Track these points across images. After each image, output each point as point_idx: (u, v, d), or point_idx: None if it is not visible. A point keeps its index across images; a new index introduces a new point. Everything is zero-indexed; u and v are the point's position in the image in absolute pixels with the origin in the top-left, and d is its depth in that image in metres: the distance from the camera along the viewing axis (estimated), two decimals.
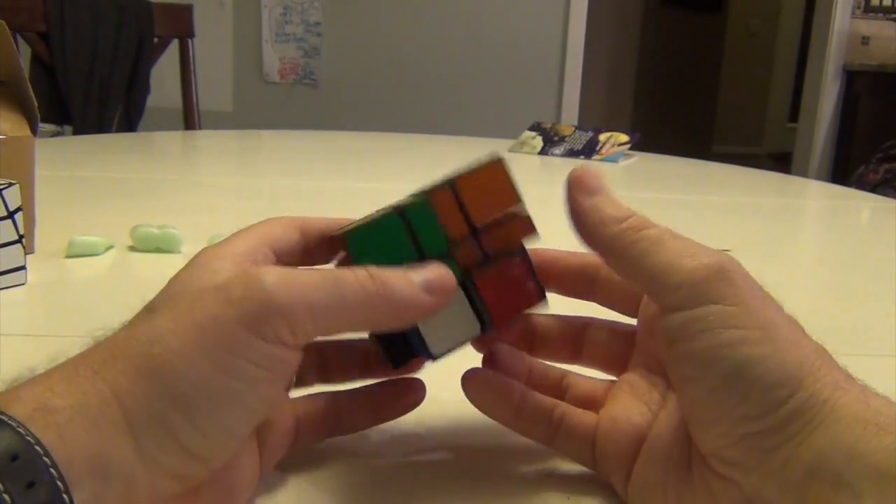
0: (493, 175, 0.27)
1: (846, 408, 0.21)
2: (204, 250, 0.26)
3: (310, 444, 0.29)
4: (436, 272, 0.25)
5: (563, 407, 0.29)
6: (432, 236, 0.26)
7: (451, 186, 0.27)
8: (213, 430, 0.21)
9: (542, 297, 0.29)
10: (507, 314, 0.29)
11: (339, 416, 0.29)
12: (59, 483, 0.18)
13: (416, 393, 0.30)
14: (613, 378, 0.30)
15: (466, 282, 0.27)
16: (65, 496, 0.18)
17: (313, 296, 0.22)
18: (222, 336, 0.21)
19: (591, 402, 0.29)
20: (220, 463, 0.22)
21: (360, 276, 0.23)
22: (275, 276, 0.22)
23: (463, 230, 0.27)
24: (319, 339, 0.24)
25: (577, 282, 0.30)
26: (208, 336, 0.21)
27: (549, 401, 0.29)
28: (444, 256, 0.26)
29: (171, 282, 0.25)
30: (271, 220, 0.28)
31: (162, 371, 0.20)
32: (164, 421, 0.20)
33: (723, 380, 0.22)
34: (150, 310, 0.23)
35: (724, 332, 0.22)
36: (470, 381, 0.29)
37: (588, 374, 0.31)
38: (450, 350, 0.28)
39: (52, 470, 0.18)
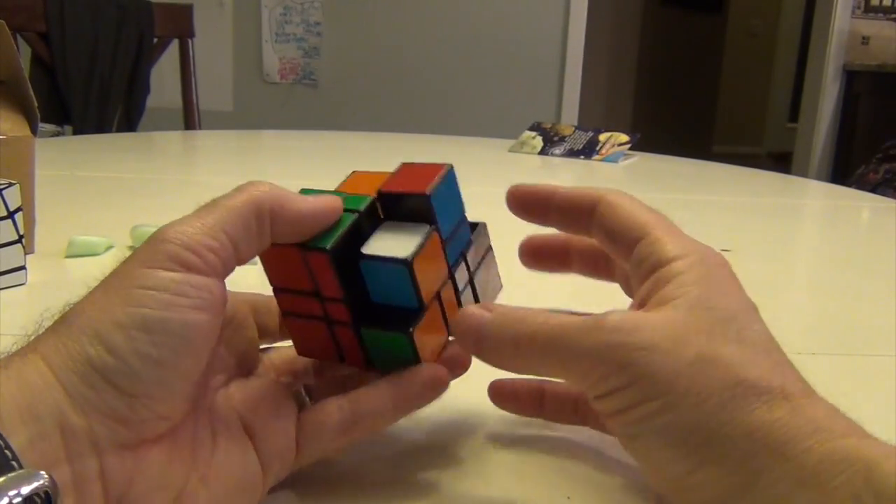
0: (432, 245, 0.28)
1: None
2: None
3: (325, 447, 0.27)
4: (325, 196, 0.27)
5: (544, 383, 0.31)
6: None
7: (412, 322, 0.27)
8: (141, 363, 0.21)
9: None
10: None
11: (356, 411, 0.27)
12: (6, 452, 0.18)
13: (441, 378, 0.28)
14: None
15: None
16: (14, 463, 0.18)
17: (201, 219, 0.24)
18: (127, 276, 0.23)
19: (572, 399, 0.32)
20: (167, 406, 0.22)
21: (245, 185, 0.25)
22: (163, 226, 0.24)
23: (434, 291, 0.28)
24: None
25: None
26: (115, 283, 0.23)
27: (562, 391, 0.31)
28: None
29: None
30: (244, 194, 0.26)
31: (78, 319, 0.22)
32: (88, 359, 0.21)
33: (654, 438, 0.23)
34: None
35: (641, 407, 0.23)
36: (497, 393, 0.32)
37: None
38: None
39: (6, 451, 0.18)
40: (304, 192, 0.28)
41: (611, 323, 0.23)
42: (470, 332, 0.26)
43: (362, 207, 0.28)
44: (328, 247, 0.26)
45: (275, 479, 0.26)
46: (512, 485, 0.29)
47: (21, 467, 0.18)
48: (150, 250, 0.23)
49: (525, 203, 0.30)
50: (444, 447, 0.31)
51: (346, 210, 0.27)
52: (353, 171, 0.31)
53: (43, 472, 0.18)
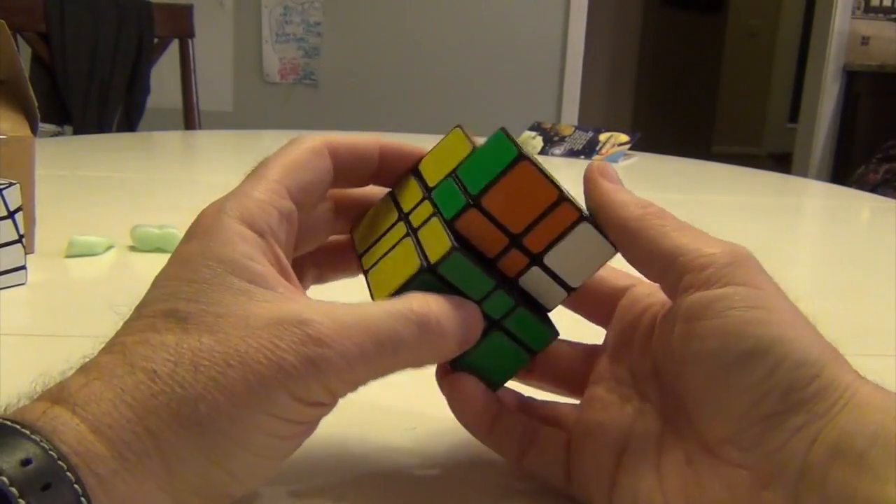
0: (522, 178, 0.25)
1: (868, 395, 0.21)
2: (213, 216, 0.24)
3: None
4: (474, 324, 0.25)
5: (535, 424, 0.28)
6: (470, 276, 0.25)
7: (476, 204, 0.25)
8: (251, 479, 0.22)
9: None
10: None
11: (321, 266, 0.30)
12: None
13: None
14: (574, 401, 0.29)
15: (518, 298, 0.26)
16: None
17: (362, 366, 0.22)
18: (272, 403, 0.21)
19: (557, 424, 0.28)
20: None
21: (424, 330, 0.23)
22: (329, 344, 0.21)
23: (501, 243, 0.26)
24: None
25: None
26: (258, 400, 0.21)
27: (521, 417, 0.28)
28: (490, 286, 0.25)
29: (188, 269, 0.23)
30: (295, 147, 0.27)
31: (209, 432, 0.20)
32: (206, 474, 0.21)
33: (748, 354, 0.22)
34: (178, 320, 0.22)
35: (751, 311, 0.22)
36: (452, 387, 0.27)
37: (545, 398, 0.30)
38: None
39: (75, 486, 0.18)
40: (462, 266, 0.25)
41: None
42: (611, 172, 0.27)
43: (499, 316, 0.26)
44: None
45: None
46: (512, 485, 0.29)
47: (84, 491, 0.18)
48: (306, 378, 0.21)
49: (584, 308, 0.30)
50: (441, 448, 0.31)
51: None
52: (456, 127, 0.28)
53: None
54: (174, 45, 1.80)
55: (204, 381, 0.20)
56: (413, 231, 0.26)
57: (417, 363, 0.24)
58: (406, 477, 0.29)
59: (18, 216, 0.48)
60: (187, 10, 1.80)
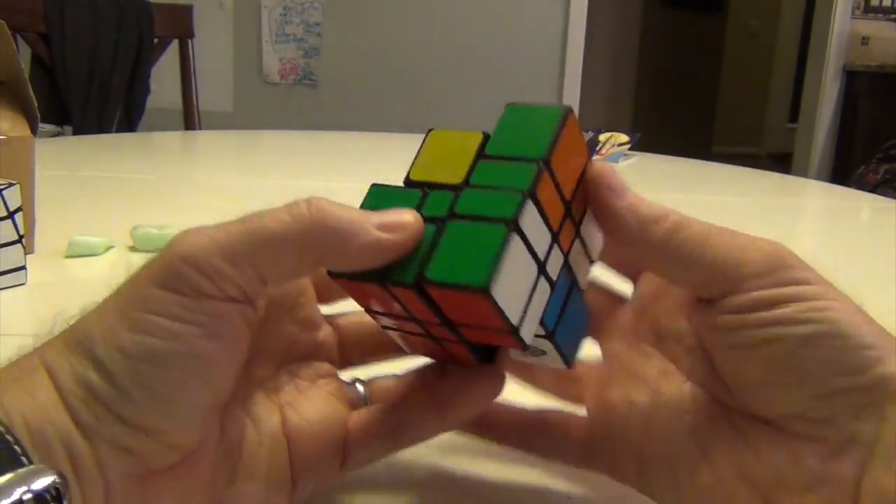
0: (572, 132, 0.23)
1: None
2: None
3: (370, 457, 0.25)
4: (398, 212, 0.22)
5: (531, 412, 0.27)
6: (542, 237, 0.22)
7: (546, 165, 0.22)
8: (144, 396, 0.20)
9: None
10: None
11: (400, 424, 0.25)
12: (16, 447, 0.18)
13: (491, 383, 0.25)
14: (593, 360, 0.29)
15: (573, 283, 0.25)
16: (23, 458, 0.18)
17: (226, 239, 0.21)
18: (136, 296, 0.20)
19: (576, 383, 0.28)
20: (178, 438, 0.21)
21: (293, 206, 0.21)
22: (189, 240, 0.21)
23: (561, 212, 0.23)
24: (277, 285, 0.22)
25: None
26: (123, 299, 0.21)
27: (516, 406, 0.28)
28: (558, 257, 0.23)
29: None
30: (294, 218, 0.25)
31: (83, 338, 0.20)
32: (89, 386, 0.20)
33: (816, 336, 0.22)
34: None
35: (811, 302, 0.22)
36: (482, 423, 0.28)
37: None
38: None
39: (15, 447, 0.18)
40: (374, 194, 0.24)
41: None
42: (618, 182, 0.24)
43: (444, 212, 0.22)
44: (411, 281, 0.21)
45: (305, 492, 0.25)
46: (512, 485, 0.29)
47: (31, 463, 0.18)
48: (164, 266, 0.20)
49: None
50: (441, 448, 0.31)
51: (426, 219, 0.22)
52: (431, 131, 0.25)
53: (52, 469, 0.18)
54: (174, 46, 1.80)
55: (89, 316, 0.21)
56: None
57: (307, 243, 0.21)
58: (405, 477, 0.29)
59: (18, 216, 0.48)
60: (187, 11, 1.80)
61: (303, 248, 0.21)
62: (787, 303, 0.22)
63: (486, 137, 0.24)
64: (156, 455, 0.20)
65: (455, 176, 0.23)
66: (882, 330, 0.22)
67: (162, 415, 0.20)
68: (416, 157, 0.25)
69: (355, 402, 0.27)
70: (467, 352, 0.24)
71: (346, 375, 0.28)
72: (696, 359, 0.25)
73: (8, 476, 0.17)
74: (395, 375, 0.28)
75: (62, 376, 0.20)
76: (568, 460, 0.27)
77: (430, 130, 0.25)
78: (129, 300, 0.21)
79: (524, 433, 0.27)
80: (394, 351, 0.28)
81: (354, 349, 0.28)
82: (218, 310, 0.20)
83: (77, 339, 0.20)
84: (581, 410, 0.28)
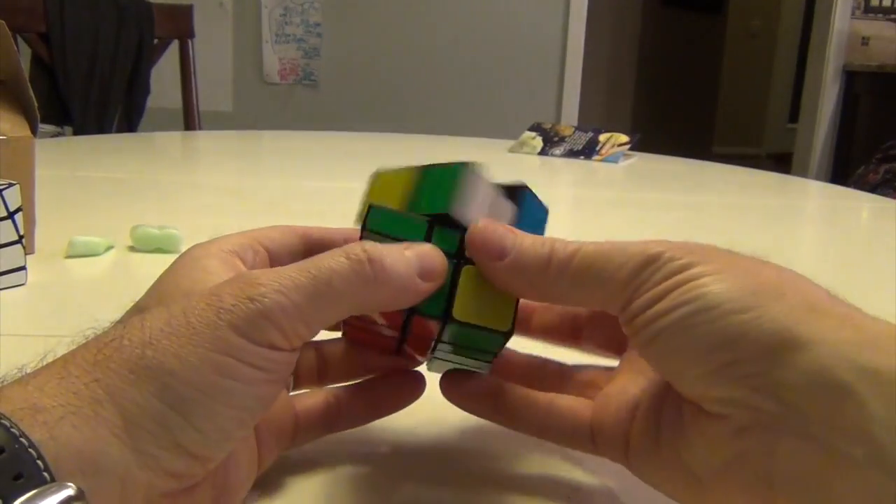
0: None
1: (818, 332, 0.21)
2: (191, 247, 0.27)
3: (308, 439, 0.29)
4: (429, 254, 0.25)
5: (550, 396, 0.28)
6: (398, 222, 0.26)
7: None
8: (211, 430, 0.21)
9: None
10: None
11: (339, 411, 0.29)
12: (45, 475, 0.18)
13: (414, 387, 0.30)
14: (614, 364, 0.30)
15: None
16: (45, 475, 0.18)
17: (302, 298, 0.22)
18: (216, 339, 0.21)
19: (593, 389, 0.29)
20: (217, 461, 0.22)
21: (355, 262, 0.23)
22: (264, 283, 0.22)
23: None
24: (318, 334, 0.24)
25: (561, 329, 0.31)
26: (202, 339, 0.21)
27: (531, 392, 0.29)
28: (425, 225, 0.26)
29: (160, 280, 0.25)
30: (269, 227, 0.29)
31: (159, 372, 0.20)
32: (162, 420, 0.20)
33: (685, 320, 0.22)
34: (139, 309, 0.23)
35: (685, 285, 0.22)
36: (444, 382, 0.29)
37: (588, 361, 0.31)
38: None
39: (38, 462, 0.18)
40: (376, 217, 0.26)
41: (655, 241, 0.24)
42: (494, 238, 0.25)
43: (457, 248, 0.26)
44: (440, 314, 0.25)
45: (266, 466, 0.27)
46: (512, 485, 0.29)
47: (53, 479, 0.18)
48: (247, 314, 0.22)
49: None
50: (441, 448, 0.31)
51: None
52: (377, 172, 0.29)
53: (70, 484, 0.18)
54: (174, 46, 1.80)
55: (149, 332, 0.21)
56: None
57: (369, 297, 0.24)
58: (406, 477, 0.29)
59: (18, 216, 0.48)
60: (187, 11, 1.80)
61: (364, 301, 0.24)
62: (666, 294, 0.22)
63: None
64: (196, 477, 0.22)
65: (503, 323, 0.26)
66: (762, 281, 0.22)
67: (219, 446, 0.22)
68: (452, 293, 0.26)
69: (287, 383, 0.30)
70: (426, 351, 0.29)
71: None
72: None
73: (30, 494, 0.18)
74: (311, 344, 0.30)
75: (132, 410, 0.20)
76: (576, 446, 0.28)
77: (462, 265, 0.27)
78: (209, 340, 0.21)
79: (536, 420, 0.28)
80: (364, 373, 0.31)
81: (333, 369, 0.31)
82: (285, 358, 0.23)
83: (149, 369, 0.21)
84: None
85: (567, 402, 0.28)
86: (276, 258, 0.28)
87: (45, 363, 0.21)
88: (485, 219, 0.26)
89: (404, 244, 0.25)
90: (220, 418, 0.21)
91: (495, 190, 0.28)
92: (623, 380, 0.28)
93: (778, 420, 0.21)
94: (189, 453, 0.21)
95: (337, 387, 0.30)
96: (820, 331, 0.20)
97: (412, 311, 0.25)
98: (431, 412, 0.31)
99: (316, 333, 0.23)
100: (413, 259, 0.24)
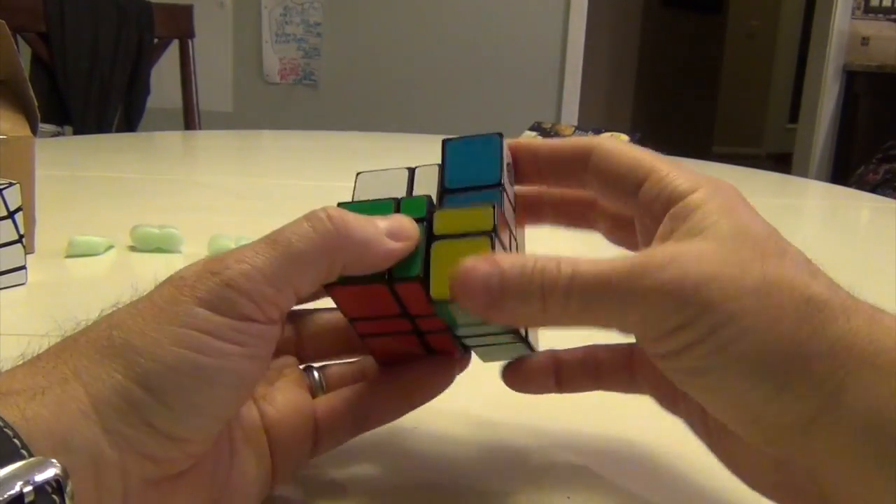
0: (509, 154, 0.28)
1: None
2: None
3: (336, 443, 0.27)
4: (396, 217, 0.25)
5: (595, 351, 0.29)
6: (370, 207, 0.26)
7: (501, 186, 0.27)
8: (183, 408, 0.21)
9: None
10: None
11: (365, 408, 0.27)
12: (23, 452, 0.18)
13: (446, 370, 0.28)
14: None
15: None
16: (24, 452, 0.18)
17: (265, 262, 0.22)
18: (181, 314, 0.21)
19: (628, 367, 0.29)
20: (199, 447, 0.22)
21: (315, 220, 0.23)
22: (225, 257, 0.22)
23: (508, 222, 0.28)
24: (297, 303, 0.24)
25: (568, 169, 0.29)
26: (167, 315, 0.21)
27: (578, 353, 0.29)
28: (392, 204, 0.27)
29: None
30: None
31: (123, 349, 0.20)
32: (129, 398, 0.20)
33: (717, 381, 0.22)
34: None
35: (718, 334, 0.21)
36: (512, 377, 0.28)
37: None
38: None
39: (15, 440, 0.18)
40: (355, 206, 0.26)
41: (659, 260, 0.22)
42: (479, 287, 0.22)
43: (425, 213, 0.26)
44: (418, 273, 0.24)
45: (284, 480, 0.26)
46: (512, 484, 0.29)
47: (31, 455, 0.18)
48: (209, 286, 0.21)
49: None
50: (442, 448, 0.31)
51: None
52: (359, 174, 0.29)
53: (54, 460, 0.18)
54: (174, 46, 1.80)
55: (116, 316, 0.21)
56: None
57: (336, 258, 0.23)
58: (406, 477, 0.29)
59: (18, 216, 0.48)
60: (187, 11, 1.80)
61: (331, 261, 0.23)
62: (686, 349, 0.21)
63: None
64: (176, 462, 0.21)
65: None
66: (794, 323, 0.21)
67: (195, 426, 0.21)
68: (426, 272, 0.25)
69: (314, 389, 0.28)
70: (452, 342, 0.27)
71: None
72: None
73: (9, 469, 0.17)
74: (347, 362, 0.29)
75: (98, 386, 0.20)
76: (621, 390, 0.29)
77: (432, 239, 0.26)
78: (172, 316, 0.21)
79: (582, 376, 0.28)
80: (348, 352, 0.29)
81: (311, 344, 0.29)
82: (260, 331, 0.22)
83: (114, 347, 0.20)
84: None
85: (607, 353, 0.28)
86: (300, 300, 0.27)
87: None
88: (463, 265, 0.23)
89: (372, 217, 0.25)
90: (193, 395, 0.21)
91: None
92: None
93: (817, 462, 0.21)
94: (163, 434, 0.20)
95: (360, 384, 0.28)
96: (846, 380, 0.20)
97: (390, 279, 0.24)
98: (431, 411, 0.31)
99: (291, 300, 0.23)
100: (380, 221, 0.24)
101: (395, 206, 0.26)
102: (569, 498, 0.28)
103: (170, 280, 0.22)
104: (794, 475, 0.22)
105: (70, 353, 0.21)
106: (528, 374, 0.28)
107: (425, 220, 0.25)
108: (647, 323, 0.22)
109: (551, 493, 0.28)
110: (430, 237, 0.25)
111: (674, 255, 0.22)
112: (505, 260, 0.23)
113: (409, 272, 0.24)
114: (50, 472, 0.18)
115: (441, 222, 0.25)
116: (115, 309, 0.22)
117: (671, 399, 0.27)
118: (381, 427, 0.31)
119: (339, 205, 0.26)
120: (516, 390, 0.28)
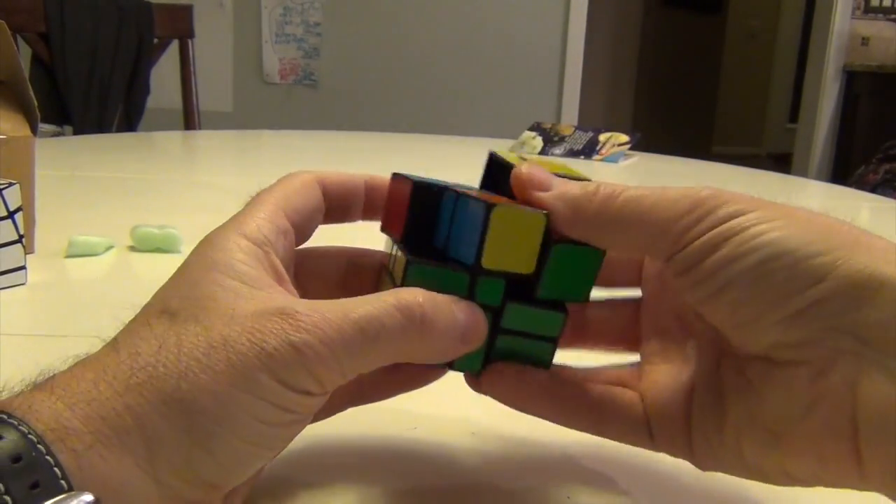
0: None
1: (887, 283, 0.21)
2: (215, 233, 0.25)
3: (329, 414, 0.28)
4: (476, 320, 0.24)
5: (604, 388, 0.28)
6: (441, 277, 0.25)
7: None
8: (233, 464, 0.21)
9: None
10: None
11: (363, 384, 0.27)
12: (62, 482, 0.18)
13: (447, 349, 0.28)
14: (631, 360, 0.29)
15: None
16: (62, 483, 0.18)
17: (345, 352, 0.22)
18: (254, 383, 0.21)
19: (623, 386, 0.28)
20: (232, 487, 0.22)
21: (409, 318, 0.23)
22: (309, 329, 0.21)
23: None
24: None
25: None
26: (240, 379, 0.21)
27: (585, 384, 0.28)
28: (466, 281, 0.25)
29: (189, 276, 0.23)
30: (288, 180, 0.28)
31: (191, 409, 0.20)
32: (188, 456, 0.20)
33: (759, 267, 0.21)
34: (170, 316, 0.22)
35: (748, 230, 0.22)
36: (486, 378, 0.27)
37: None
38: None
39: (55, 469, 0.18)
40: (416, 274, 0.25)
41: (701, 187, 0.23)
42: (540, 177, 0.25)
43: (500, 302, 0.26)
44: (479, 370, 0.26)
45: (279, 452, 0.26)
46: (512, 485, 0.29)
47: (70, 488, 0.18)
48: (287, 362, 0.21)
49: None
50: (441, 448, 0.31)
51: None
52: (491, 209, 0.25)
53: (89, 493, 0.18)
54: (174, 46, 1.80)
55: (187, 361, 0.21)
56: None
57: (407, 354, 0.23)
58: (406, 477, 0.29)
59: (18, 216, 0.48)
60: (187, 11, 1.80)
61: (404, 357, 0.23)
62: (725, 241, 0.22)
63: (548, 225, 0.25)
64: (212, 502, 0.22)
65: (527, 265, 0.25)
66: (831, 228, 0.22)
67: (237, 477, 0.22)
68: (482, 240, 0.25)
69: None
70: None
71: None
72: (696, 318, 0.26)
73: (49, 503, 0.18)
74: None
75: (159, 443, 0.20)
76: (634, 441, 0.27)
77: (489, 208, 0.24)
78: (243, 381, 0.21)
79: (592, 415, 0.27)
80: None
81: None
82: (316, 403, 0.22)
83: (182, 403, 0.20)
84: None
85: (619, 395, 0.27)
86: (301, 230, 0.27)
87: (72, 365, 0.21)
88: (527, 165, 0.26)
89: (453, 299, 0.24)
90: (243, 454, 0.21)
91: None
92: (664, 367, 0.28)
93: (858, 358, 0.20)
94: (208, 483, 0.21)
95: None
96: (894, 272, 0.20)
97: (448, 365, 0.26)
98: (431, 411, 0.31)
99: (351, 378, 0.23)
100: (462, 322, 0.24)
101: (470, 281, 0.25)
102: (569, 498, 0.28)
103: (249, 334, 0.21)
104: (831, 390, 0.21)
105: (135, 397, 0.20)
106: (518, 381, 0.27)
107: (495, 310, 0.25)
108: (686, 221, 0.23)
109: (551, 493, 0.28)
110: (493, 326, 0.26)
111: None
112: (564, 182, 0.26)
113: (470, 368, 0.26)
114: (83, 502, 0.18)
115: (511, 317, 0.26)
116: (172, 325, 0.22)
117: (683, 429, 0.26)
118: (381, 427, 0.31)
119: (410, 265, 0.25)
120: (496, 397, 0.27)
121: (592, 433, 0.27)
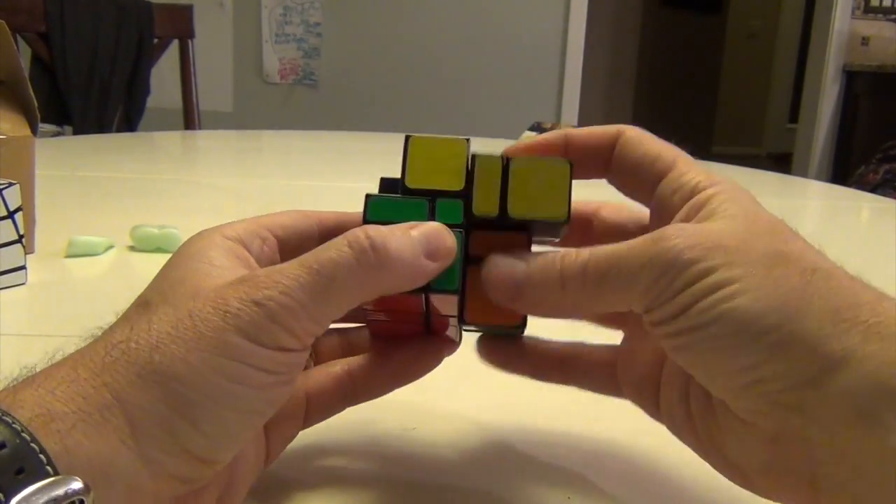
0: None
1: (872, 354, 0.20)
2: (194, 236, 0.26)
3: (324, 417, 0.28)
4: (436, 233, 0.24)
5: (573, 345, 0.29)
6: (402, 208, 0.26)
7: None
8: (219, 434, 0.21)
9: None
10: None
11: (355, 383, 0.28)
12: (48, 468, 0.18)
13: (438, 349, 0.28)
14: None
15: None
16: (48, 468, 0.18)
17: (307, 296, 0.22)
18: (223, 344, 0.21)
19: (609, 365, 0.29)
20: (225, 463, 0.22)
21: (358, 249, 0.23)
22: (268, 285, 0.22)
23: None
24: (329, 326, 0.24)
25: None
26: (209, 343, 0.21)
27: (554, 344, 0.29)
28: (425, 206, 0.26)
29: (164, 272, 0.24)
30: (280, 212, 0.28)
31: (166, 377, 0.20)
32: (170, 427, 0.20)
33: (718, 340, 0.21)
34: (145, 304, 0.23)
35: (716, 293, 0.21)
36: (484, 349, 0.29)
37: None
38: None
39: (41, 456, 0.18)
40: (375, 207, 0.26)
41: (669, 233, 0.23)
42: (506, 282, 0.25)
43: (461, 219, 0.26)
44: (456, 288, 0.25)
45: (276, 455, 0.27)
46: (512, 484, 0.29)
47: (56, 473, 0.18)
48: (252, 317, 0.21)
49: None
50: (441, 448, 0.31)
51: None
52: (410, 138, 0.27)
53: (77, 478, 0.18)
54: (174, 46, 1.80)
55: (157, 335, 0.21)
56: None
57: (375, 286, 0.23)
58: (406, 477, 0.29)
59: (18, 216, 0.48)
60: (187, 11, 1.80)
61: (370, 290, 0.23)
62: (690, 306, 0.22)
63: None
64: (205, 479, 0.22)
65: (456, 183, 0.26)
66: (791, 290, 0.21)
67: (228, 449, 0.22)
68: (404, 165, 0.27)
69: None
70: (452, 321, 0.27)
71: None
72: None
73: (34, 487, 0.18)
74: (336, 331, 0.30)
75: (139, 415, 0.20)
76: (604, 392, 0.29)
77: (408, 137, 0.27)
78: (214, 344, 0.21)
79: (559, 367, 0.29)
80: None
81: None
82: (295, 359, 0.22)
83: (156, 374, 0.20)
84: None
85: (594, 354, 0.29)
86: (286, 244, 0.27)
87: (52, 363, 0.21)
88: (493, 258, 0.25)
89: (411, 224, 0.24)
90: (228, 422, 0.21)
91: None
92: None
93: (809, 435, 0.21)
94: (196, 457, 0.21)
95: (352, 358, 0.28)
96: (848, 347, 0.20)
97: (426, 289, 0.25)
98: (431, 412, 0.31)
99: (326, 327, 0.23)
100: (419, 239, 0.24)
101: (430, 206, 0.26)
102: (569, 498, 0.28)
103: (213, 302, 0.22)
104: (786, 452, 0.21)
105: (111, 373, 0.21)
106: (506, 350, 0.29)
107: (461, 227, 0.25)
108: (650, 292, 0.22)
109: (551, 493, 0.28)
110: (465, 226, 0.25)
111: (684, 228, 0.23)
112: (528, 255, 0.25)
113: (447, 286, 0.25)
114: (74, 488, 0.18)
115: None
116: (146, 313, 0.22)
117: (652, 401, 0.27)
118: (380, 427, 0.31)
119: (369, 198, 0.26)
120: (490, 363, 0.29)
121: (562, 384, 0.29)
